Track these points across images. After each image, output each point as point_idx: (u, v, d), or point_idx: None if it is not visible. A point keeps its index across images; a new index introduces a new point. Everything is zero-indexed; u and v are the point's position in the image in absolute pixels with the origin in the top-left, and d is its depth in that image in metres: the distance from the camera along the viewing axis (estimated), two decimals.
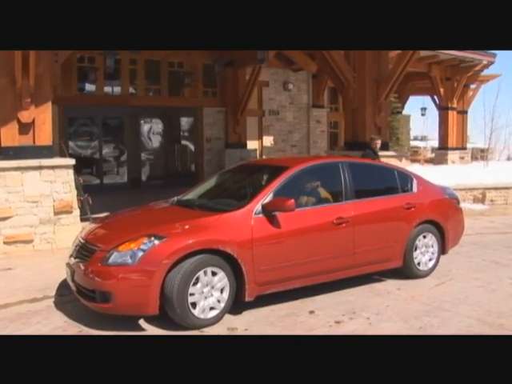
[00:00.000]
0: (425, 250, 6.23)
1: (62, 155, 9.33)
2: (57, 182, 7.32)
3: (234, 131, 15.48)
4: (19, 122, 7.07)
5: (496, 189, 12.28)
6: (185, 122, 15.96)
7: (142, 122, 14.92)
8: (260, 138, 16.80)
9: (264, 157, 16.22)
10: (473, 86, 20.30)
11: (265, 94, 16.63)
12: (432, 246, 6.29)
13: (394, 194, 6.11)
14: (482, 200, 12.11)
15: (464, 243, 7.39)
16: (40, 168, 7.18)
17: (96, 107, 13.58)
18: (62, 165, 7.45)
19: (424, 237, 6.21)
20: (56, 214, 7.29)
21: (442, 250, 6.43)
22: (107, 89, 14.12)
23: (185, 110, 15.51)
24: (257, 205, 4.94)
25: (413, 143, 32.10)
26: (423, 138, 36.28)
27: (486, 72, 18.94)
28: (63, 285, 5.50)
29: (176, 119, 15.79)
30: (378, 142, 9.57)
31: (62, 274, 5.41)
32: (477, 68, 17.59)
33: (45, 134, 7.31)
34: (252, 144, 16.34)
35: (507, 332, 4.52)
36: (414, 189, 6.29)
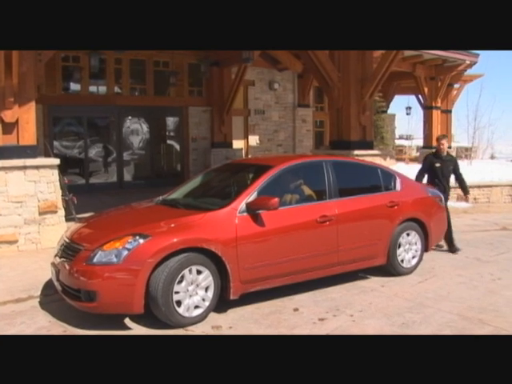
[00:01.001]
0: (408, 248, 6.30)
1: (47, 155, 9.27)
2: (41, 181, 7.28)
3: (219, 131, 15.50)
4: (2, 121, 7.02)
5: (479, 187, 12.43)
6: (170, 121, 15.92)
7: (127, 121, 14.85)
8: (246, 137, 16.82)
9: (250, 156, 16.25)
10: (456, 86, 20.51)
11: (250, 93, 16.66)
12: (415, 244, 6.36)
13: (377, 193, 6.17)
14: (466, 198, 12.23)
15: None
16: (24, 168, 7.14)
17: (81, 107, 13.50)
18: (47, 165, 7.42)
19: (407, 234, 6.28)
20: (41, 214, 7.26)
21: (426, 247, 6.51)
22: (92, 88, 14.05)
23: (170, 110, 15.47)
24: (241, 203, 4.97)
25: (398, 142, 32.33)
26: (408, 137, 36.53)
27: (469, 72, 19.11)
28: (48, 285, 5.49)
29: (162, 119, 15.74)
30: (444, 143, 7.76)
31: (47, 273, 5.41)
32: (460, 68, 17.73)
33: (29, 133, 7.26)
34: (238, 143, 16.37)
35: (486, 326, 4.61)
36: (398, 187, 6.36)
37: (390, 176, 6.44)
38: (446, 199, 7.38)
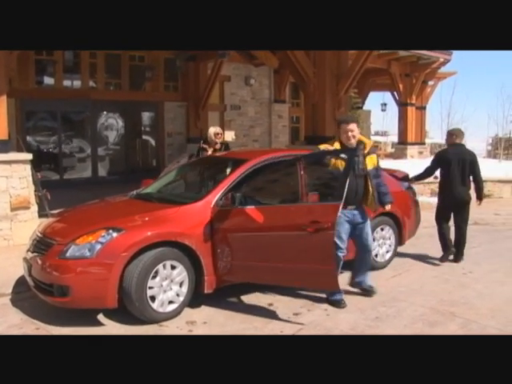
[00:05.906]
0: (382, 242, 6.35)
1: (19, 150, 9.10)
2: (13, 177, 7.15)
3: (195, 126, 15.41)
4: None
5: None
6: (146, 116, 15.80)
7: (102, 116, 14.69)
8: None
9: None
10: (431, 83, 20.71)
11: (226, 88, 16.61)
12: (389, 238, 6.40)
13: None
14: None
15: (420, 235, 7.53)
16: None
17: (55, 101, 13.25)
18: (19, 160, 7.29)
19: (381, 229, 6.32)
20: (13, 209, 7.13)
21: (399, 241, 6.56)
22: (67, 82, 13.84)
23: (146, 105, 15.34)
24: (215, 197, 4.94)
25: (374, 138, 32.59)
26: (384, 133, 36.89)
27: (442, 69, 19.34)
28: (20, 282, 5.40)
29: (137, 114, 15.59)
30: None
31: (19, 270, 5.31)
32: (434, 65, 17.93)
33: (0, 127, 7.13)
34: None
35: (457, 319, 4.70)
36: None
37: None
38: None
